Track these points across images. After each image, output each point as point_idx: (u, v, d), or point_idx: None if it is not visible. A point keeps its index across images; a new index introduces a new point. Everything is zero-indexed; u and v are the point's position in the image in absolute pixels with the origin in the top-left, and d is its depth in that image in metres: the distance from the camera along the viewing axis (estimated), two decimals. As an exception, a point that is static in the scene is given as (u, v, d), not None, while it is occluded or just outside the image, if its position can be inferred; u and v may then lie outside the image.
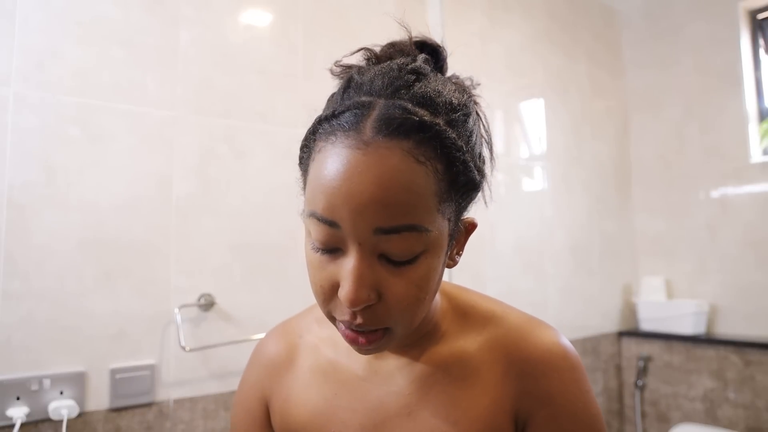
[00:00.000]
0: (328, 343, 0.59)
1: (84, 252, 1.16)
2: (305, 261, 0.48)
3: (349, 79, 0.50)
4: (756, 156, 2.07)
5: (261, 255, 1.39)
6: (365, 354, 0.50)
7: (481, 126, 0.52)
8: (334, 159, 0.42)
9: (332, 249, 0.45)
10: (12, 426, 1.02)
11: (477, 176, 0.47)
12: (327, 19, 1.57)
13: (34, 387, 1.07)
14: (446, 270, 0.51)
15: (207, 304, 1.29)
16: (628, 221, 2.42)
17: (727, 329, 2.09)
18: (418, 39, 0.53)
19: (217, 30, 1.38)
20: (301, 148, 0.49)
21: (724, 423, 1.96)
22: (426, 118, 0.43)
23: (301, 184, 0.49)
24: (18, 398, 1.06)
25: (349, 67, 0.53)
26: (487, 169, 0.51)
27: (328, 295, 0.46)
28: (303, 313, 0.66)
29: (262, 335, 1.31)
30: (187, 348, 1.23)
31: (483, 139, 0.51)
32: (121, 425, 1.17)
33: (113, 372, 1.16)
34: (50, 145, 1.14)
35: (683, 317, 2.09)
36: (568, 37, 2.28)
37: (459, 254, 0.52)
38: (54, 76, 1.15)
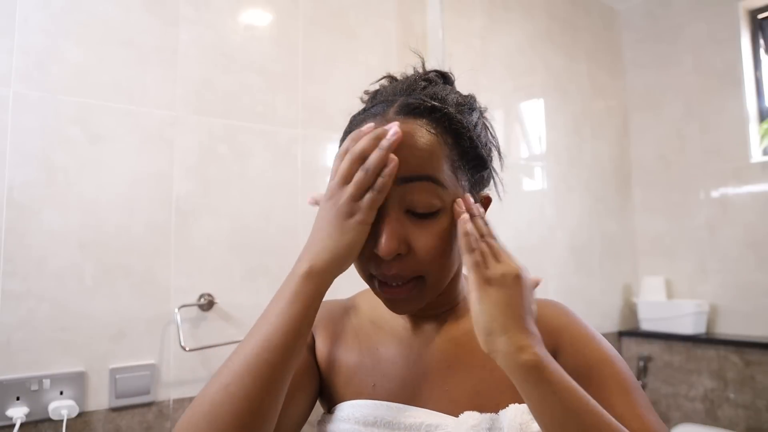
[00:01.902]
0: (374, 314, 0.65)
1: (84, 252, 1.16)
2: None
3: (376, 91, 0.63)
4: (756, 156, 2.07)
5: (261, 255, 1.39)
6: (402, 312, 0.57)
7: (487, 127, 0.63)
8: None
9: None
10: (12, 426, 1.02)
11: (484, 155, 0.59)
12: (327, 19, 1.57)
13: (34, 387, 1.07)
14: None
15: (207, 304, 1.29)
16: (628, 221, 2.42)
17: (727, 329, 2.09)
18: (432, 69, 0.66)
19: (217, 30, 1.38)
20: (340, 143, 0.59)
21: (724, 423, 1.96)
22: (436, 103, 0.55)
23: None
24: (18, 398, 1.06)
25: (376, 91, 0.66)
26: (495, 164, 0.62)
27: (367, 254, 0.53)
28: (349, 297, 0.72)
29: (262, 335, 1.32)
30: (187, 348, 1.23)
31: (489, 134, 0.62)
32: (121, 425, 1.17)
33: (113, 372, 1.16)
34: (50, 145, 1.14)
35: (683, 317, 2.09)
36: (568, 37, 2.28)
37: None
38: (54, 76, 1.15)
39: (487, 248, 0.52)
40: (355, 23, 1.62)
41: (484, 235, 0.52)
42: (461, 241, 0.52)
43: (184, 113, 1.32)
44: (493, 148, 0.62)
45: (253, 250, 1.38)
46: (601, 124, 2.37)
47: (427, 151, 0.52)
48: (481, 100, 0.64)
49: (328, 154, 1.54)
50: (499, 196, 0.63)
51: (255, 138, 1.41)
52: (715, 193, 2.17)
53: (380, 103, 0.58)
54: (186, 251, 1.28)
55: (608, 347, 0.58)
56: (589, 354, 0.56)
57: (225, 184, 1.36)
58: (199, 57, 1.35)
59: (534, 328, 0.49)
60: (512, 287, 0.49)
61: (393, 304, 0.56)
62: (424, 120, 0.54)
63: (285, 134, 1.46)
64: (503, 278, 0.50)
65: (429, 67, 0.65)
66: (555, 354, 0.56)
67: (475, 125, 0.58)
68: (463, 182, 0.56)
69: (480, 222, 0.53)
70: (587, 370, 0.54)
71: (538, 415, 0.47)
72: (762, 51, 2.13)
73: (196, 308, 1.29)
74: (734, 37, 2.12)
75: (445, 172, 0.53)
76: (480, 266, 0.50)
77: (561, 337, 0.57)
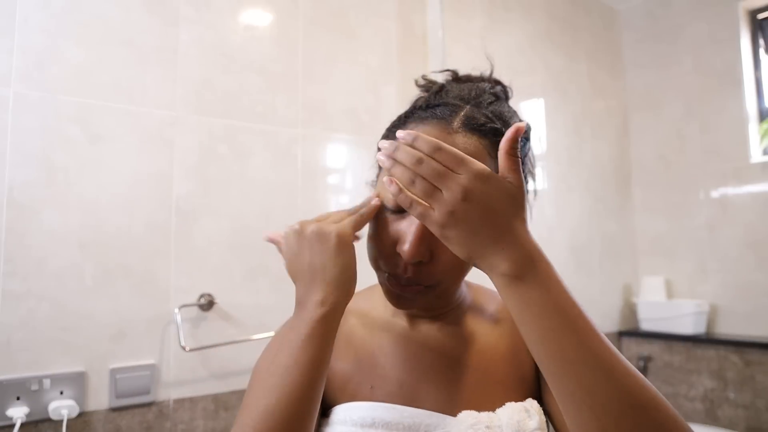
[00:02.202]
0: (369, 315, 0.65)
1: (84, 252, 1.16)
2: (369, 235, 0.57)
3: (442, 86, 0.62)
4: (756, 156, 2.07)
5: (261, 255, 1.39)
6: (402, 308, 0.57)
7: (531, 153, 0.63)
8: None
9: (400, 209, 0.53)
10: (12, 426, 1.02)
11: (528, 165, 0.60)
12: (327, 19, 1.57)
13: (34, 387, 1.07)
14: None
15: (207, 304, 1.29)
16: (628, 221, 2.42)
17: (727, 329, 2.09)
18: (496, 80, 0.67)
19: (217, 30, 1.38)
20: (390, 129, 0.60)
21: (724, 423, 1.96)
22: (501, 127, 0.54)
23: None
24: (18, 398, 1.06)
25: (432, 81, 0.65)
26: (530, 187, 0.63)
27: (387, 249, 0.54)
28: None
29: (262, 335, 1.32)
30: (187, 348, 1.23)
31: (530, 162, 0.63)
32: (121, 425, 1.17)
33: (113, 372, 1.16)
34: (50, 145, 1.14)
35: (683, 317, 2.09)
36: (568, 37, 2.28)
37: None
38: (54, 76, 1.15)
39: (432, 172, 0.44)
40: (355, 23, 1.62)
41: (423, 156, 0.45)
42: (385, 185, 0.48)
43: (184, 113, 1.32)
44: (530, 176, 0.63)
45: (253, 250, 1.38)
46: (601, 124, 2.37)
47: None
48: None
49: (328, 154, 1.54)
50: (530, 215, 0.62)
51: (255, 138, 1.41)
52: (715, 193, 2.17)
53: (446, 102, 0.56)
54: (186, 251, 1.28)
55: None
56: None
57: (225, 184, 1.36)
58: (199, 57, 1.35)
59: (512, 235, 0.45)
60: (479, 202, 0.44)
61: (396, 300, 0.56)
62: (487, 141, 0.53)
63: (285, 134, 1.46)
64: (469, 195, 0.44)
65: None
66: None
67: (525, 155, 0.59)
68: None
69: (408, 147, 0.46)
70: None
71: (524, 332, 0.44)
72: (762, 51, 2.13)
73: (196, 308, 1.29)
74: (734, 37, 2.12)
75: None
76: (429, 214, 0.45)
77: None
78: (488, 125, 0.53)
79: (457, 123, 0.53)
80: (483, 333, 0.62)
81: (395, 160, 0.46)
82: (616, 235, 2.36)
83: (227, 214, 1.35)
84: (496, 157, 0.49)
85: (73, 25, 1.18)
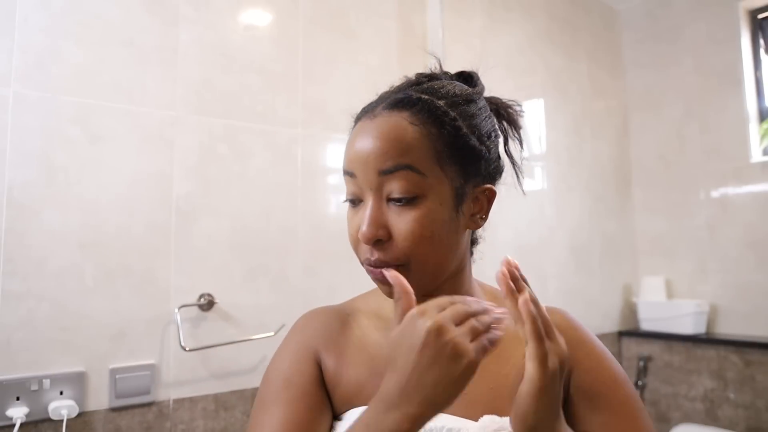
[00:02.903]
0: (378, 317, 0.64)
1: (84, 252, 1.16)
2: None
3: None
4: (756, 156, 2.07)
5: (261, 255, 1.39)
6: (390, 296, 0.55)
7: (496, 121, 0.65)
8: (354, 132, 0.59)
9: (356, 200, 0.57)
10: (12, 426, 1.02)
11: (477, 145, 0.58)
12: (327, 19, 1.57)
13: (34, 387, 1.07)
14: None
15: (207, 304, 1.29)
16: (628, 221, 2.42)
17: (727, 329, 2.09)
18: (459, 71, 0.69)
19: (217, 30, 1.38)
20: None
21: (724, 423, 1.96)
22: (423, 96, 0.57)
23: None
24: (18, 398, 1.06)
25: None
26: (515, 153, 0.65)
27: (355, 240, 0.57)
28: (345, 302, 0.70)
29: (262, 335, 1.33)
30: (187, 348, 1.23)
31: (494, 125, 0.63)
32: (121, 425, 1.17)
33: (113, 372, 1.16)
34: (50, 145, 1.14)
35: (683, 317, 2.09)
36: (568, 37, 2.28)
37: (482, 218, 0.61)
38: (54, 76, 1.15)
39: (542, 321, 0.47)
40: (355, 23, 1.62)
41: (537, 304, 0.48)
42: (523, 311, 0.47)
43: (184, 113, 1.32)
44: (498, 138, 0.63)
45: (253, 250, 1.38)
46: (601, 124, 2.37)
47: (405, 142, 0.54)
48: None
49: (328, 154, 1.54)
50: (522, 190, 0.66)
51: (255, 138, 1.41)
52: (715, 193, 2.17)
53: (378, 99, 0.61)
54: (186, 251, 1.28)
55: (618, 367, 0.60)
56: (602, 375, 0.58)
57: (225, 184, 1.36)
58: (199, 57, 1.35)
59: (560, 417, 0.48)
60: (559, 378, 0.46)
61: (384, 290, 0.57)
62: (407, 113, 0.56)
63: (285, 134, 1.46)
64: (555, 359, 0.46)
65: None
66: (570, 365, 0.58)
67: (471, 116, 0.59)
68: (450, 173, 0.56)
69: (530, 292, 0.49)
70: (598, 391, 0.57)
71: None
72: (762, 51, 2.12)
73: (196, 308, 1.29)
74: (734, 37, 2.12)
75: (426, 162, 0.54)
76: (541, 338, 0.46)
77: (580, 349, 0.59)
78: (407, 98, 0.56)
79: (378, 109, 0.57)
80: (503, 337, 0.60)
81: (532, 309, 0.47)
82: (616, 235, 2.36)
83: (227, 214, 1.35)
84: (418, 125, 0.55)
85: (73, 25, 1.18)
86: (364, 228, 0.54)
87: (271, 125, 1.44)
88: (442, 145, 0.55)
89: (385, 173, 0.54)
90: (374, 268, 0.55)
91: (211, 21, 1.38)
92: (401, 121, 0.55)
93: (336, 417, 0.60)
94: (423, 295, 0.56)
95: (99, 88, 1.20)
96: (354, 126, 0.61)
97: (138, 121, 1.25)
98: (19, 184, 1.10)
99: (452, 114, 0.57)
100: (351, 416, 0.57)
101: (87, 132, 1.18)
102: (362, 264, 0.58)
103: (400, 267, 0.54)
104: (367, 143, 0.55)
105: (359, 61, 1.61)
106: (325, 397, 0.60)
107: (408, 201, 0.54)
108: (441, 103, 0.57)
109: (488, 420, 0.52)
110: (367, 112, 0.59)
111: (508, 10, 2.06)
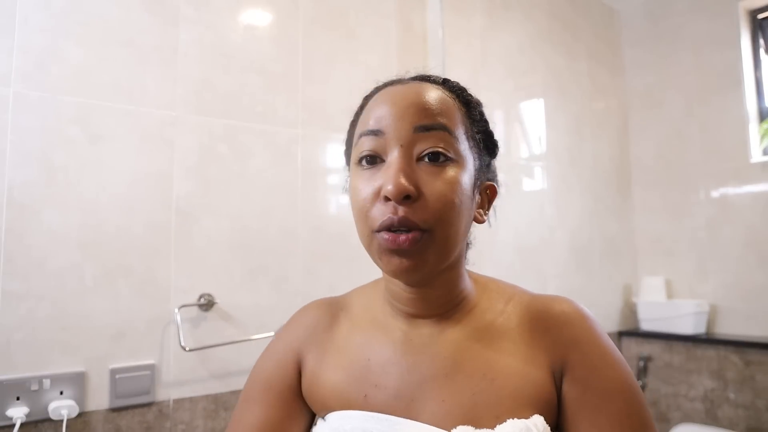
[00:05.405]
0: (367, 316, 0.63)
1: (84, 252, 1.15)
2: (351, 204, 0.55)
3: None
4: (756, 156, 2.07)
5: (261, 255, 1.39)
6: (403, 277, 0.53)
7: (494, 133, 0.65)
8: (381, 94, 0.57)
9: (376, 160, 0.53)
10: (12, 426, 1.02)
11: (494, 137, 0.61)
12: (327, 19, 1.57)
13: (34, 387, 1.07)
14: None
15: (207, 304, 1.29)
16: (628, 221, 2.42)
17: (727, 329, 2.09)
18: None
19: (217, 30, 1.38)
20: (349, 129, 0.62)
21: (724, 423, 1.96)
22: (449, 79, 0.60)
23: (346, 150, 0.63)
24: (18, 398, 1.06)
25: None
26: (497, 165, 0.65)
27: (371, 204, 0.51)
28: (345, 294, 0.69)
29: (262, 335, 1.33)
30: (187, 348, 1.23)
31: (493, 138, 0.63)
32: (121, 425, 1.17)
33: (113, 372, 1.16)
34: (50, 145, 1.14)
35: (683, 317, 2.09)
36: (568, 37, 2.28)
37: (486, 213, 0.60)
38: (54, 76, 1.15)
39: None
40: (355, 23, 1.62)
41: None
42: None
43: (184, 113, 1.32)
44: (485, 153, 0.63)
45: (253, 250, 1.38)
46: (601, 124, 2.37)
47: (444, 105, 0.54)
48: (482, 100, 0.64)
49: (328, 154, 1.54)
50: (497, 190, 0.63)
51: (255, 138, 1.41)
52: (715, 193, 2.17)
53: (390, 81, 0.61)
54: (186, 251, 1.28)
55: (628, 372, 0.53)
56: (607, 380, 0.52)
57: (225, 184, 1.36)
58: (199, 57, 1.35)
59: None
60: None
61: (395, 264, 0.50)
62: (440, 86, 0.58)
63: (285, 134, 1.46)
64: None
65: (428, 68, 0.69)
66: (563, 369, 0.53)
67: (484, 118, 0.61)
68: (474, 154, 0.57)
69: None
70: (601, 398, 0.51)
71: None
72: (762, 51, 2.12)
73: (196, 308, 1.29)
74: (734, 37, 2.12)
75: (459, 131, 0.54)
76: None
77: (573, 352, 0.54)
78: (439, 78, 0.60)
79: (406, 79, 0.60)
80: (492, 338, 0.56)
81: None
82: (616, 235, 2.36)
83: (227, 214, 1.35)
84: (452, 97, 0.57)
85: (73, 25, 1.18)
86: (392, 181, 0.48)
87: (271, 125, 1.44)
88: (470, 123, 0.57)
89: (421, 129, 0.52)
90: (394, 231, 0.49)
91: (211, 21, 1.38)
92: (437, 88, 0.56)
93: (320, 416, 0.60)
94: (422, 286, 0.56)
95: (99, 88, 1.20)
96: (372, 96, 0.60)
97: (138, 121, 1.25)
98: (19, 184, 1.10)
99: (476, 99, 0.60)
100: (330, 421, 0.57)
101: (87, 132, 1.18)
102: (370, 238, 0.52)
103: (425, 233, 0.50)
104: (403, 100, 0.54)
105: (359, 60, 1.61)
106: (301, 404, 0.62)
107: (442, 162, 0.51)
108: (466, 91, 0.60)
109: (461, 430, 0.49)
110: (394, 82, 0.59)
111: (508, 9, 2.06)
